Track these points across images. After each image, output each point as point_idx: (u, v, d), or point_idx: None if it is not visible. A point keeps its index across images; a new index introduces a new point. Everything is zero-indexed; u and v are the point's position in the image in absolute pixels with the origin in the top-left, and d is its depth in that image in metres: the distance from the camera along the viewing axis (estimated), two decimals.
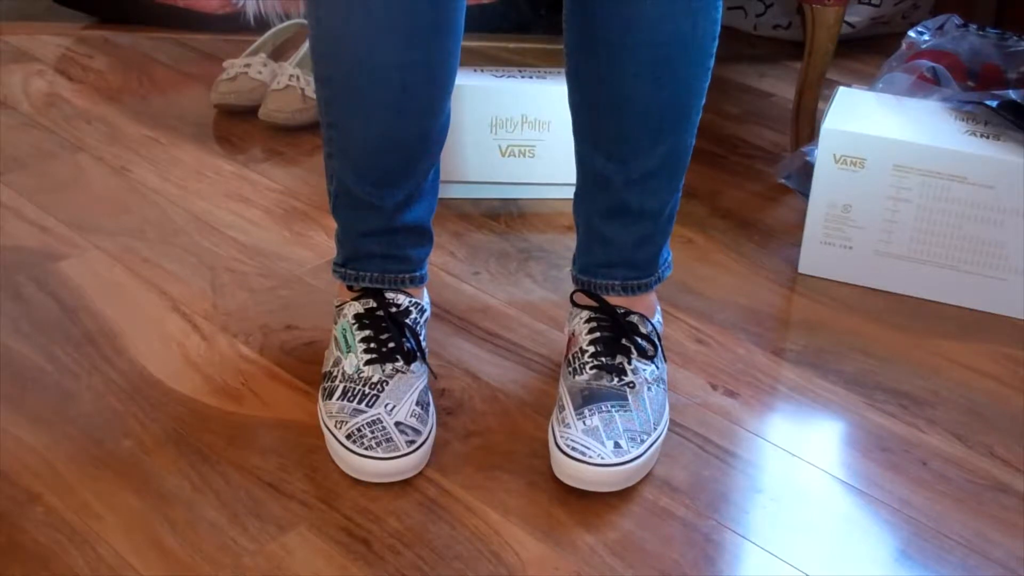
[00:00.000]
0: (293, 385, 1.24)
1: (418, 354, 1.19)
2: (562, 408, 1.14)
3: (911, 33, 1.80)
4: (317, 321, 1.35)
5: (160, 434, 1.17)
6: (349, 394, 1.14)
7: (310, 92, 1.83)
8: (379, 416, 1.11)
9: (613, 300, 1.21)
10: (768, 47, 2.25)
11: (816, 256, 1.50)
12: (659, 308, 1.27)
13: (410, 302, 1.22)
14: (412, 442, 1.11)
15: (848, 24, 2.14)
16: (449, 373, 1.28)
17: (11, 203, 1.58)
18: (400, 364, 1.16)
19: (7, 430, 1.17)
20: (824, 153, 1.45)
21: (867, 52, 2.18)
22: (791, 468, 1.18)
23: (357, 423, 1.11)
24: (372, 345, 1.17)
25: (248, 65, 1.89)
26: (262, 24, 2.16)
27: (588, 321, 1.19)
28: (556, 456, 1.11)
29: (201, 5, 2.21)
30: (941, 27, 1.80)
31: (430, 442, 1.14)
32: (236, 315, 1.37)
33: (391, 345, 1.17)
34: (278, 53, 2.01)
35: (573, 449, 1.09)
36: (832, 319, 1.42)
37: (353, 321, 1.19)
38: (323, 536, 1.06)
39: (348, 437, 1.11)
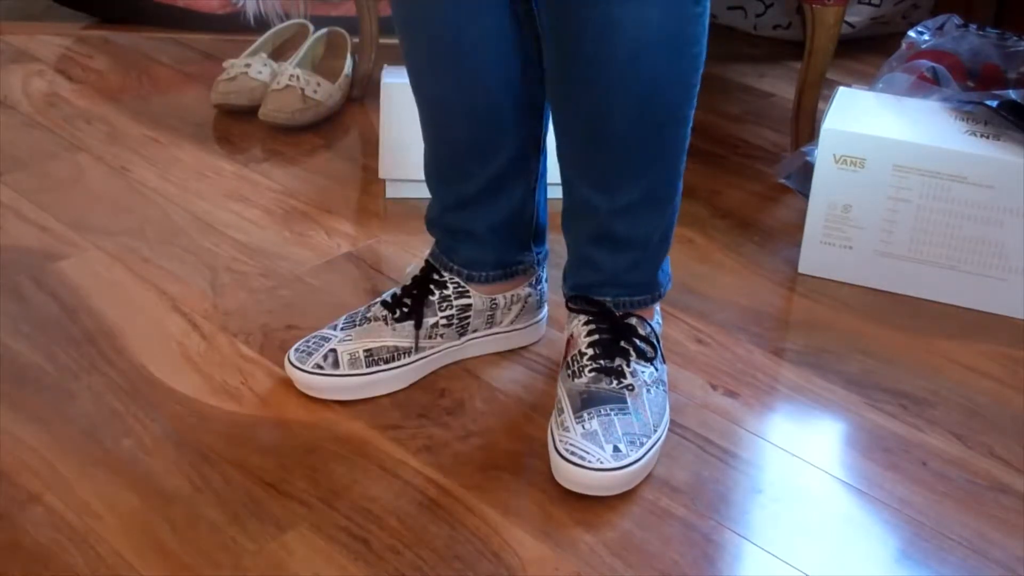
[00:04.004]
0: (293, 385, 1.24)
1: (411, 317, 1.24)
2: (561, 411, 1.14)
3: (911, 33, 1.80)
4: (317, 321, 1.34)
5: (160, 434, 1.17)
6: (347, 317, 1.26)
7: (310, 92, 1.83)
8: (330, 336, 1.23)
9: None
10: (768, 47, 2.25)
11: (816, 256, 1.50)
12: (658, 309, 1.27)
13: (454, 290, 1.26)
14: (319, 367, 1.21)
15: (848, 24, 2.14)
16: (449, 373, 1.28)
17: (11, 203, 1.58)
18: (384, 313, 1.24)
19: (7, 430, 1.17)
20: (824, 153, 1.45)
21: (867, 52, 2.18)
22: (791, 468, 1.18)
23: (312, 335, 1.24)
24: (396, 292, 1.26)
25: (248, 65, 1.89)
26: (262, 24, 2.17)
27: (586, 323, 1.19)
28: (555, 460, 1.11)
29: (201, 5, 2.21)
30: (941, 27, 1.80)
31: (337, 383, 1.21)
32: (236, 315, 1.37)
33: (403, 298, 1.25)
34: (278, 53, 2.01)
35: (572, 454, 1.09)
36: (832, 319, 1.42)
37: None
38: (323, 536, 1.06)
39: (295, 349, 1.23)
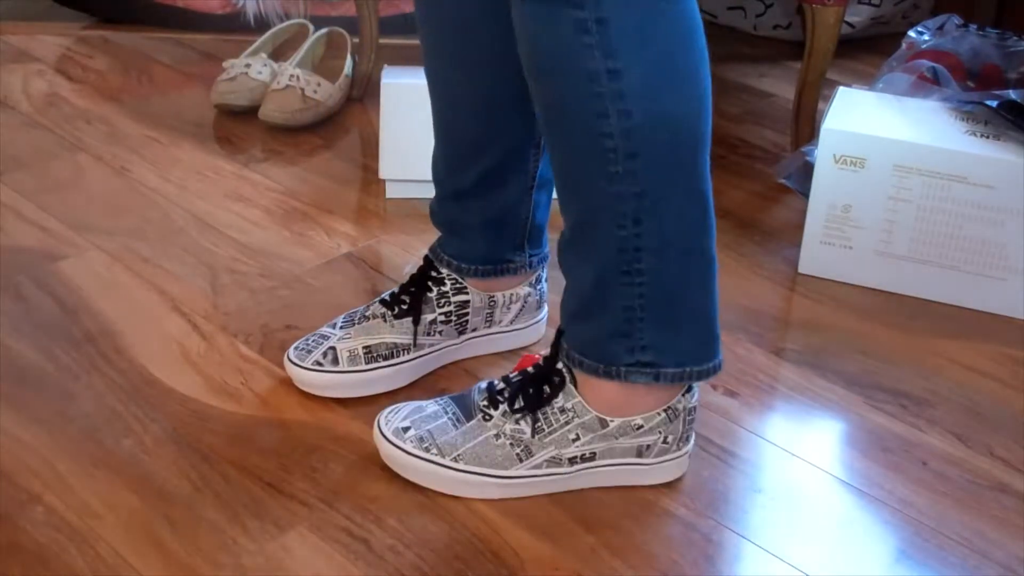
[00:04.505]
0: (293, 385, 1.24)
1: (410, 314, 1.24)
2: None
3: (911, 33, 1.81)
4: (317, 321, 1.34)
5: (160, 434, 1.17)
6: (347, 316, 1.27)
7: (310, 92, 1.83)
8: (329, 334, 1.24)
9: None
10: (768, 47, 2.25)
11: (816, 256, 1.50)
12: (664, 422, 1.10)
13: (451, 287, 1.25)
14: (318, 363, 1.21)
15: (848, 24, 2.14)
16: (449, 373, 1.28)
17: (11, 203, 1.58)
18: (384, 311, 1.24)
19: (7, 430, 1.17)
20: (824, 153, 1.45)
21: (867, 52, 2.18)
22: (791, 468, 1.18)
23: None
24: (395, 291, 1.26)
25: (248, 65, 1.89)
26: (262, 24, 2.16)
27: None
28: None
29: (201, 5, 2.21)
30: (941, 27, 1.80)
31: (337, 379, 1.21)
32: (236, 315, 1.37)
33: (401, 295, 1.25)
34: (278, 53, 2.01)
35: (387, 409, 1.14)
36: (832, 319, 1.42)
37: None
38: (323, 536, 1.06)
39: (294, 347, 1.24)
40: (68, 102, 1.89)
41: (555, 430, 1.09)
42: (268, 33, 2.02)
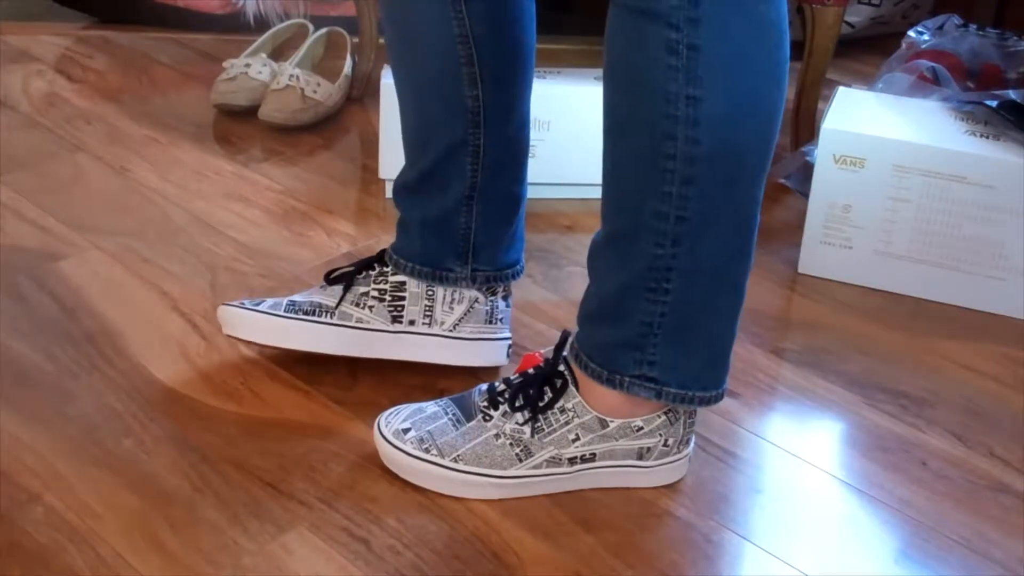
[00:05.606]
0: (293, 385, 1.24)
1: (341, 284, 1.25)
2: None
3: (911, 33, 1.81)
4: None
5: (160, 434, 1.17)
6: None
7: (310, 92, 1.83)
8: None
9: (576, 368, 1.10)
10: None
11: (816, 256, 1.50)
12: (663, 426, 1.10)
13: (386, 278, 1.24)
14: (242, 303, 1.25)
15: (848, 24, 2.14)
16: (449, 373, 1.28)
17: (11, 203, 1.58)
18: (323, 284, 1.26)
19: (7, 430, 1.17)
20: (824, 153, 1.45)
21: (867, 52, 2.18)
22: (791, 468, 1.18)
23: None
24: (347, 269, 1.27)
25: (248, 65, 1.89)
26: (262, 24, 2.16)
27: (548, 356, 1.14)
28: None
29: (201, 5, 2.21)
30: (941, 27, 1.80)
31: (251, 316, 1.23)
32: None
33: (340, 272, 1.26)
34: (278, 53, 2.01)
35: (388, 411, 1.14)
36: (832, 319, 1.42)
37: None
38: (323, 536, 1.06)
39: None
40: (68, 102, 1.89)
41: (555, 430, 1.09)
42: (268, 33, 2.02)
